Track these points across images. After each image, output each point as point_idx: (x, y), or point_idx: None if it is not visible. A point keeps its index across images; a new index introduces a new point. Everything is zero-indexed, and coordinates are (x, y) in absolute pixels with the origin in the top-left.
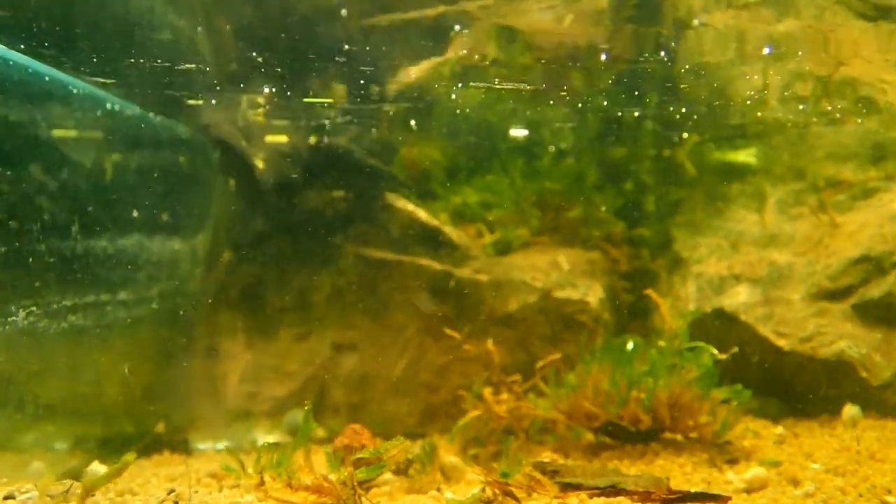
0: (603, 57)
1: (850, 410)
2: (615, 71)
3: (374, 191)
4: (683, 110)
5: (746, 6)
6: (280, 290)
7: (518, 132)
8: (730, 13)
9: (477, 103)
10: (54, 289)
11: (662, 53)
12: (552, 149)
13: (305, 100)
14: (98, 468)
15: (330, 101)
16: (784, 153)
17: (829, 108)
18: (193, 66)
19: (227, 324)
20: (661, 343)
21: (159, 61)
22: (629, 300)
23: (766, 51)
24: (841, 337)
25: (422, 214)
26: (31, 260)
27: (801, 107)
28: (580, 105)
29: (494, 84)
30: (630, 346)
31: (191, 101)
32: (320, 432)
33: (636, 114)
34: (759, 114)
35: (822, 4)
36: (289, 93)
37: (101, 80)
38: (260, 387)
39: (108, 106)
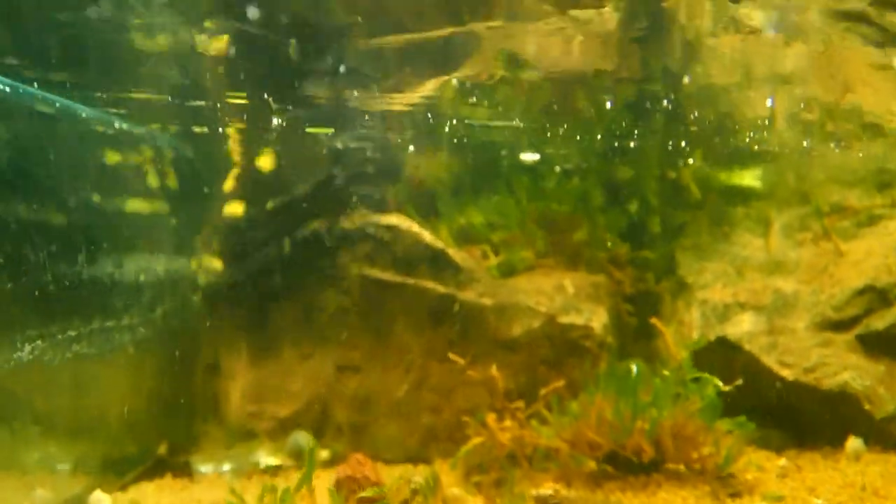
0: (608, 105)
1: (853, 443)
2: (622, 93)
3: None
4: (684, 143)
5: (754, 32)
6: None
7: (526, 156)
8: (738, 38)
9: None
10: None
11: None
12: (558, 169)
13: (309, 129)
14: (101, 497)
15: (331, 130)
16: (789, 176)
17: (834, 136)
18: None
19: (229, 342)
20: (666, 372)
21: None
22: (633, 323)
23: (769, 103)
24: (845, 368)
25: (426, 236)
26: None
27: (805, 142)
28: (586, 131)
29: (495, 120)
30: (634, 374)
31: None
32: (323, 454)
33: (642, 137)
34: (758, 146)
35: (830, 30)
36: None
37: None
38: (263, 406)
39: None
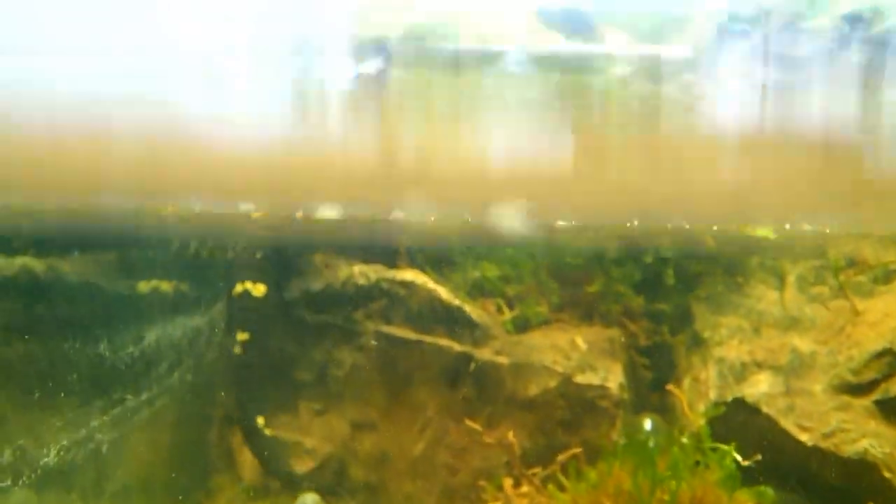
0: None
1: None
2: None
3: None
4: None
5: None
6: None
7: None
8: None
9: None
10: None
11: None
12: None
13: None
14: None
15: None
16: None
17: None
18: None
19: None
20: (684, 440)
21: None
22: (648, 376)
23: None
24: (864, 435)
25: (442, 292)
26: None
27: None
28: None
29: None
30: (651, 443)
31: None
32: None
33: None
34: None
35: None
36: None
37: None
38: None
39: None
